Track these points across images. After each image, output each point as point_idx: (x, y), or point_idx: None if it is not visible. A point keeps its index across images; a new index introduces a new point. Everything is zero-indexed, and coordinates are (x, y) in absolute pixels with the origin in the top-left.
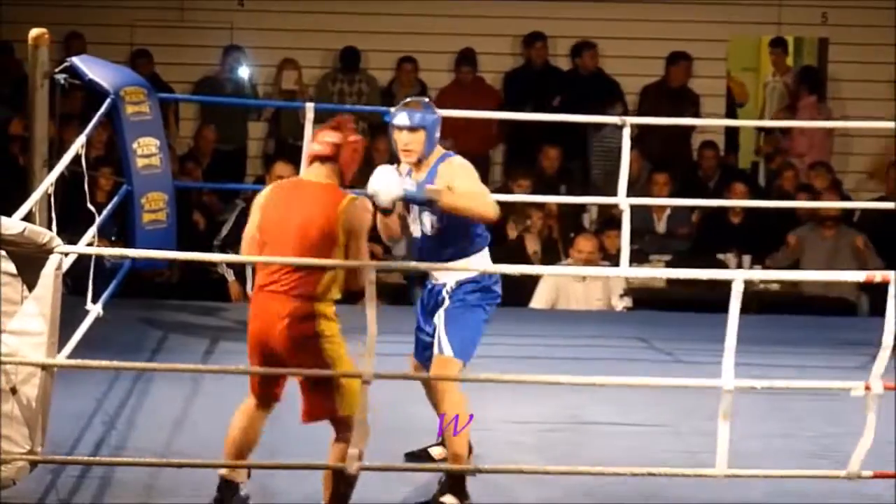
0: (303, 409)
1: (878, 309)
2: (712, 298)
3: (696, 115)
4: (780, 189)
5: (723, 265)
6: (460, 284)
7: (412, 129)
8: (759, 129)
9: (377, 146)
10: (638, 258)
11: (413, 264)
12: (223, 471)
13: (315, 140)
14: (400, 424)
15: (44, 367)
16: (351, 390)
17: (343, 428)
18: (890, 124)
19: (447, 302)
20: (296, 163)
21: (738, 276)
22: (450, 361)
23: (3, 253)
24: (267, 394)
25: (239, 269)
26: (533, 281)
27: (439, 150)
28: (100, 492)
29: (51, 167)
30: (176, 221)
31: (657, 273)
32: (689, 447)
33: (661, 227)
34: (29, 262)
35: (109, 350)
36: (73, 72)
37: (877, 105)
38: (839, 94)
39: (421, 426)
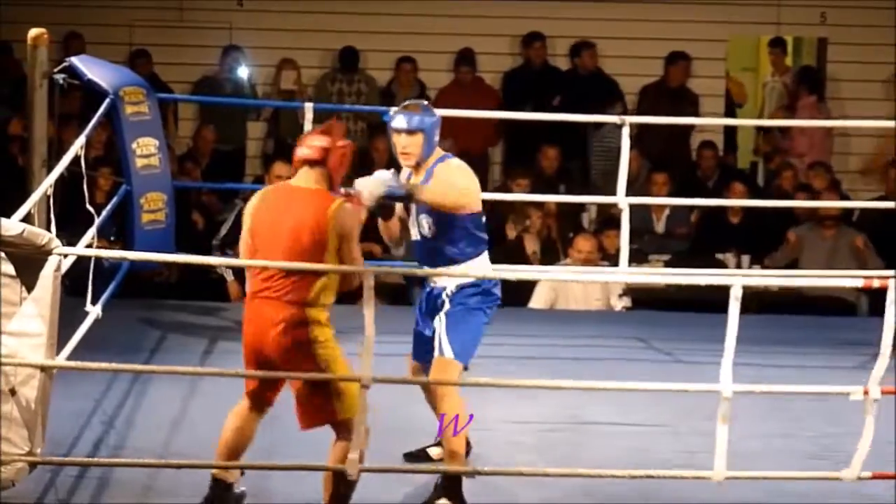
0: (300, 417)
1: (878, 309)
2: (712, 298)
3: (696, 114)
4: (779, 189)
5: (722, 265)
6: (460, 288)
7: (410, 132)
8: (759, 129)
9: (377, 146)
10: (637, 258)
11: (410, 269)
12: (214, 470)
13: (304, 144)
14: (399, 425)
15: (43, 368)
16: (350, 394)
17: (343, 431)
18: (889, 123)
19: (447, 305)
20: None
21: (737, 282)
22: (450, 363)
23: (3, 254)
24: (261, 398)
25: (238, 268)
26: (532, 281)
27: (438, 152)
28: (98, 492)
29: (50, 167)
30: (175, 221)
31: (655, 279)
32: (689, 447)
33: (660, 226)
34: (28, 263)
35: (108, 350)
36: (72, 72)
37: (876, 105)
38: (838, 93)
39: (420, 427)
